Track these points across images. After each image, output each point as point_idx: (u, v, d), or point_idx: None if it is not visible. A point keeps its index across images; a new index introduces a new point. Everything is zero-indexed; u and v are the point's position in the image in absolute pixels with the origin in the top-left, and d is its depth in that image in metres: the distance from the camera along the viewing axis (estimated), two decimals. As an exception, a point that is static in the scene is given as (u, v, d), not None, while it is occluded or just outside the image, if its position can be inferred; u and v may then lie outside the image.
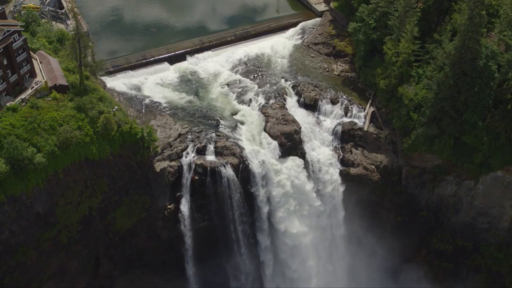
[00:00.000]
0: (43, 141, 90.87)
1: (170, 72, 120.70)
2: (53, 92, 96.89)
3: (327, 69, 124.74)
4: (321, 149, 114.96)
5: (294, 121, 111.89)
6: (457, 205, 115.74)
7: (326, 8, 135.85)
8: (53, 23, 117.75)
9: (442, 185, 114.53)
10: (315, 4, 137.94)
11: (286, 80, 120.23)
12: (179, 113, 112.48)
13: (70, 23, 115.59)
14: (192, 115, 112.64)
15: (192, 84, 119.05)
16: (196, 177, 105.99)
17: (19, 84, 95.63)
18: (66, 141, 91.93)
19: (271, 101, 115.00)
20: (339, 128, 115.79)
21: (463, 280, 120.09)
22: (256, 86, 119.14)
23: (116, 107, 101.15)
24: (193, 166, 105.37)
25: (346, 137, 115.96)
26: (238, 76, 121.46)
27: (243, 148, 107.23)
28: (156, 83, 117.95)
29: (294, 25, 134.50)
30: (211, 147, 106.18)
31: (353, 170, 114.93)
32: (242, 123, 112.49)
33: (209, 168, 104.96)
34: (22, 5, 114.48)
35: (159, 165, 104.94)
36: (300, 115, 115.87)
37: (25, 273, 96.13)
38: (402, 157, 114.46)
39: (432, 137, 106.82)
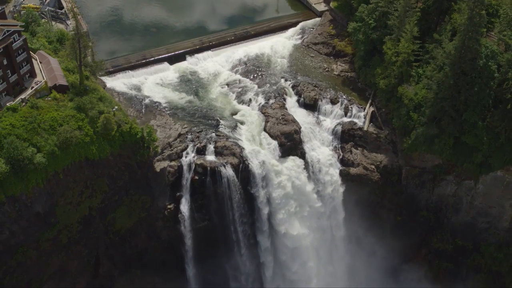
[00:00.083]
0: (43, 141, 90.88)
1: (170, 72, 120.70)
2: (53, 92, 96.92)
3: (327, 69, 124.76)
4: (321, 149, 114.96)
5: (294, 121, 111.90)
6: (457, 205, 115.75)
7: (326, 8, 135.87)
8: (53, 23, 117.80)
9: (442, 185, 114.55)
10: (314, 4, 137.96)
11: (286, 80, 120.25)
12: (179, 113, 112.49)
13: (70, 23, 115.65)
14: (192, 115, 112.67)
15: (192, 84, 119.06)
16: (196, 177, 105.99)
17: (19, 84, 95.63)
18: (66, 141, 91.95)
19: (271, 101, 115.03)
20: (339, 128, 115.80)
21: (463, 280, 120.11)
22: (256, 86, 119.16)
23: (116, 107, 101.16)
24: (193, 166, 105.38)
25: (346, 137, 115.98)
26: (238, 76, 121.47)
27: (243, 148, 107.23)
28: (156, 83, 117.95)
29: (294, 25, 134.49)
30: (211, 147, 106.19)
31: (353, 170, 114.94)
32: (242, 123, 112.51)
33: (209, 168, 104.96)
34: (22, 5, 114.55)
35: (159, 165, 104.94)
36: (300, 115, 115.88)
37: (25, 273, 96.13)
38: (402, 157, 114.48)
39: (432, 137, 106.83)
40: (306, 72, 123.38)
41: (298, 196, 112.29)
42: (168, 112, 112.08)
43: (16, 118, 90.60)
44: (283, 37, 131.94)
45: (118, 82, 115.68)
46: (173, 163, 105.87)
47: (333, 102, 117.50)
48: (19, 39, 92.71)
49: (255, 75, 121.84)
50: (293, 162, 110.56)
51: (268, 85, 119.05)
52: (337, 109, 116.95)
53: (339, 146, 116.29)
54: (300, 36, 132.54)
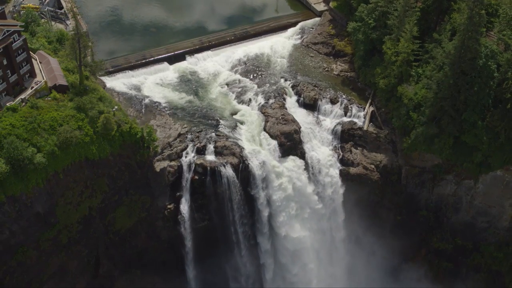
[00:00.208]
0: (43, 141, 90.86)
1: (169, 72, 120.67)
2: (53, 92, 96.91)
3: (326, 69, 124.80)
4: (320, 149, 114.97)
5: (293, 121, 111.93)
6: (456, 205, 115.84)
7: (326, 8, 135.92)
8: (53, 23, 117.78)
9: (441, 184, 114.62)
10: (314, 3, 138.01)
11: (285, 80, 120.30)
12: (178, 113, 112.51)
13: (70, 23, 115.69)
14: (192, 115, 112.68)
15: (191, 84, 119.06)
16: (196, 177, 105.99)
17: (19, 84, 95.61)
18: (66, 141, 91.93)
19: (271, 101, 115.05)
20: (339, 128, 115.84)
21: (463, 279, 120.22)
22: (256, 86, 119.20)
23: (116, 107, 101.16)
24: (193, 166, 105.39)
25: (346, 136, 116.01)
26: (238, 76, 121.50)
27: (243, 148, 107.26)
28: (155, 83, 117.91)
29: (294, 25, 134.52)
30: (211, 147, 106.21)
31: (352, 170, 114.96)
32: (241, 123, 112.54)
33: (209, 168, 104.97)
34: (22, 5, 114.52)
35: (159, 165, 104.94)
36: (300, 115, 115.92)
37: (25, 273, 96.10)
38: (402, 157, 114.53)
39: (432, 137, 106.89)
40: (305, 72, 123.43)
41: (299, 198, 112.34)
42: (168, 112, 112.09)
43: (16, 118, 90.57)
44: (283, 37, 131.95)
45: (118, 82, 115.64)
46: (173, 163, 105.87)
47: (333, 102, 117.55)
48: (19, 39, 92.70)
49: (255, 75, 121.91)
50: (294, 162, 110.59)
51: (267, 85, 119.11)
52: (337, 109, 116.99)
53: (339, 145, 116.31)
54: (299, 36, 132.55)
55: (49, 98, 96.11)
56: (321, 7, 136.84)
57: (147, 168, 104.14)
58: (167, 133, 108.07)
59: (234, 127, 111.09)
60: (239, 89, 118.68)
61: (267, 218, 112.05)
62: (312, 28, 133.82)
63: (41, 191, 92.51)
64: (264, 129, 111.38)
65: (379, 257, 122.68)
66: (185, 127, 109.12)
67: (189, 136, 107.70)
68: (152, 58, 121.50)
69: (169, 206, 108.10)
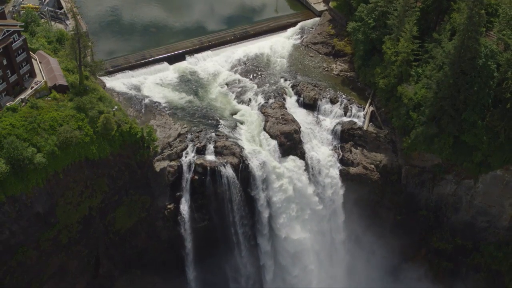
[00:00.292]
0: (43, 141, 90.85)
1: (169, 72, 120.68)
2: (53, 92, 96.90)
3: (326, 69, 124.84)
4: (320, 149, 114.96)
5: (293, 121, 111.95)
6: (456, 204, 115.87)
7: (325, 8, 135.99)
8: (52, 23, 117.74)
9: (441, 184, 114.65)
10: (314, 3, 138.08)
11: (285, 80, 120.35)
12: (178, 113, 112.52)
13: (69, 23, 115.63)
14: (192, 115, 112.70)
15: (191, 84, 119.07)
16: (196, 177, 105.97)
17: (19, 84, 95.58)
18: (66, 141, 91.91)
19: (271, 101, 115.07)
20: (339, 128, 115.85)
21: (463, 279, 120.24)
22: (256, 86, 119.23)
23: (116, 107, 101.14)
24: (193, 165, 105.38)
25: (346, 136, 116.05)
26: (238, 76, 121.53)
27: (243, 148, 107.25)
28: (155, 83, 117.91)
29: (293, 24, 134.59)
30: (210, 147, 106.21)
31: (352, 170, 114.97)
32: (241, 122, 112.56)
33: (209, 168, 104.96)
34: (21, 5, 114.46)
35: (159, 165, 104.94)
36: (300, 115, 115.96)
37: (25, 273, 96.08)
38: (402, 156, 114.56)
39: (432, 136, 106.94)
40: (305, 72, 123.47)
41: (299, 199, 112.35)
42: (167, 112, 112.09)
43: (16, 118, 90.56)
44: (283, 37, 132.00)
45: (118, 82, 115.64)
46: (173, 163, 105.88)
47: (333, 101, 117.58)
48: (18, 39, 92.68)
49: (255, 75, 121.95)
50: (294, 162, 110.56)
51: (267, 85, 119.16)
52: (337, 109, 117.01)
53: (339, 145, 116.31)
54: (299, 36, 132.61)
55: (49, 98, 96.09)
56: (320, 7, 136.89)
57: (147, 168, 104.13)
58: (167, 133, 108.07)
59: (234, 127, 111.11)
60: (239, 89, 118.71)
61: (267, 220, 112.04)
62: (312, 28, 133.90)
63: (41, 191, 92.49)
64: (264, 129, 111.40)
65: (379, 257, 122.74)
66: (185, 127, 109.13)
67: (189, 136, 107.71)
68: (152, 58, 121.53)
69: (169, 206, 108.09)
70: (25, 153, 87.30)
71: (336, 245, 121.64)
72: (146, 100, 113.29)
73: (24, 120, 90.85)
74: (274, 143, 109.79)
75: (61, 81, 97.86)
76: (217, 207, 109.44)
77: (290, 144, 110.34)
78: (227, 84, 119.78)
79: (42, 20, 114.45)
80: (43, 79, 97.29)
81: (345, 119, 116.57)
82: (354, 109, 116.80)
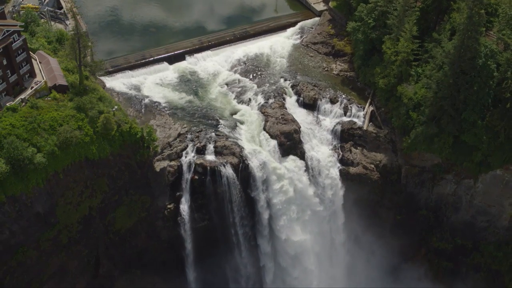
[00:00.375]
0: (43, 141, 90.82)
1: (169, 72, 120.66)
2: (53, 92, 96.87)
3: (326, 69, 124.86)
4: (320, 149, 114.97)
5: (293, 121, 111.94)
6: (456, 204, 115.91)
7: (325, 8, 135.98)
8: (52, 23, 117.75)
9: (441, 184, 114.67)
10: (313, 3, 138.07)
11: (285, 80, 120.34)
12: (178, 112, 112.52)
13: (69, 23, 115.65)
14: (192, 114, 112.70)
15: (191, 84, 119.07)
16: (196, 177, 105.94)
17: (19, 84, 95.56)
18: (66, 141, 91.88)
19: (271, 101, 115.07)
20: (339, 128, 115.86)
21: (463, 278, 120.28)
22: (255, 86, 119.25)
23: (116, 107, 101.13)
24: (193, 165, 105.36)
25: (346, 136, 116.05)
26: (237, 76, 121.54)
27: (243, 148, 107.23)
28: (155, 83, 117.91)
29: (293, 24, 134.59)
30: (210, 147, 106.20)
31: (352, 169, 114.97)
32: (241, 122, 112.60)
33: (209, 168, 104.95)
34: (21, 5, 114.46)
35: (159, 165, 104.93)
36: (300, 115, 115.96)
37: (25, 273, 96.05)
38: (402, 156, 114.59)
39: (432, 136, 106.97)
40: (305, 72, 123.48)
41: (300, 200, 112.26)
42: (167, 112, 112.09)
43: (16, 118, 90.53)
44: (282, 36, 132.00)
45: (118, 82, 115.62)
46: (173, 162, 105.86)
47: (333, 101, 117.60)
48: (18, 39, 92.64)
49: (255, 75, 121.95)
50: (294, 162, 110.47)
51: (267, 84, 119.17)
52: (337, 109, 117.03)
53: (339, 145, 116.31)
54: (299, 35, 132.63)
55: (49, 98, 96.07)
56: (320, 6, 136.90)
57: (147, 168, 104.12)
58: (167, 133, 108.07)
59: (234, 127, 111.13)
60: (239, 89, 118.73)
61: (267, 221, 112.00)
62: (312, 28, 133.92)
63: (41, 191, 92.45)
64: (264, 129, 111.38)
65: (379, 257, 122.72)
66: (185, 127, 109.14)
67: (189, 136, 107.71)
68: (152, 58, 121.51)
69: (169, 206, 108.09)
70: (25, 153, 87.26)
71: (336, 246, 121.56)
72: (146, 100, 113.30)
73: (24, 120, 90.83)
74: (274, 143, 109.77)
75: (61, 81, 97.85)
76: (217, 207, 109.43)
77: (290, 144, 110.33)
78: (227, 84, 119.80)
79: (42, 20, 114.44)
80: (43, 79, 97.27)
81: (345, 119, 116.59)
82: (354, 109, 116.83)
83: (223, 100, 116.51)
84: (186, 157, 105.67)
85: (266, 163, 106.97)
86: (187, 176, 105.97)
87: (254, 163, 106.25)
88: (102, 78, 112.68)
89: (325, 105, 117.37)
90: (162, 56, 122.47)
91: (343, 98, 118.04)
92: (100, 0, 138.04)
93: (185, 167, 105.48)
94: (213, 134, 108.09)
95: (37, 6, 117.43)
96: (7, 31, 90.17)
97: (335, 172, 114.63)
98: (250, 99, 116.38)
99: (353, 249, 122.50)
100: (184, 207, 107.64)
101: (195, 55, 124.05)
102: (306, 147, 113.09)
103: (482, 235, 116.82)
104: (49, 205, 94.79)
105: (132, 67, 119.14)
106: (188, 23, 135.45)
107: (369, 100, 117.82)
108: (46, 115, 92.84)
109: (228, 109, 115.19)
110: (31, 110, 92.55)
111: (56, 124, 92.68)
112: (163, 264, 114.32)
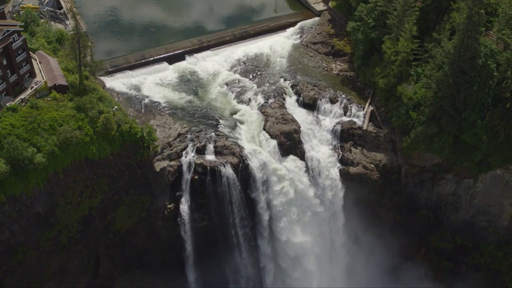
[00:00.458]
0: (43, 141, 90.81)
1: (169, 72, 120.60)
2: (53, 92, 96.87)
3: (326, 69, 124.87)
4: (320, 149, 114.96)
5: (293, 120, 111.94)
6: (456, 204, 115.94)
7: (325, 8, 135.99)
8: (52, 23, 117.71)
9: (441, 183, 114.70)
10: (313, 3, 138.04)
11: (285, 80, 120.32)
12: (178, 112, 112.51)
13: (69, 23, 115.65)
14: (192, 114, 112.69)
15: (191, 83, 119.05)
16: (196, 177, 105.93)
17: (19, 84, 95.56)
18: (66, 141, 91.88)
19: (270, 101, 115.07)
20: (338, 127, 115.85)
21: (463, 278, 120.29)
22: (255, 86, 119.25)
23: (115, 106, 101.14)
24: (193, 165, 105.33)
25: (346, 136, 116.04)
26: (237, 76, 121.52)
27: (243, 148, 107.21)
28: (155, 83, 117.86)
29: (293, 24, 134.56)
30: (210, 147, 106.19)
31: (352, 169, 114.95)
32: (241, 122, 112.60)
33: (208, 168, 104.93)
34: (21, 5, 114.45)
35: (159, 165, 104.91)
36: (299, 115, 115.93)
37: (25, 273, 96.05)
38: (402, 156, 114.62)
39: (431, 136, 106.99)
40: (305, 72, 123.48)
41: (300, 201, 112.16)
42: (167, 112, 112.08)
43: (16, 118, 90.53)
44: (282, 36, 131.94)
45: (118, 82, 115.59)
46: (173, 162, 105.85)
47: (333, 101, 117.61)
48: (18, 39, 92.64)
49: (254, 75, 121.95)
50: (294, 163, 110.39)
51: (267, 84, 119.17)
52: (337, 109, 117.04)
53: (339, 145, 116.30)
54: (299, 35, 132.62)
55: (49, 98, 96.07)
56: (320, 6, 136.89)
57: (147, 168, 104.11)
58: (167, 133, 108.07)
59: (233, 127, 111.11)
60: (239, 89, 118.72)
61: (268, 222, 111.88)
62: (312, 28, 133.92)
63: (41, 191, 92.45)
64: (264, 129, 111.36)
65: (379, 257, 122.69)
66: (185, 127, 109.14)
67: (189, 136, 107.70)
68: (152, 58, 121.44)
69: (169, 206, 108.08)
70: (25, 153, 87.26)
71: (336, 247, 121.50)
72: (146, 100, 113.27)
73: (24, 120, 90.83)
74: (274, 143, 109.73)
75: (61, 81, 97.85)
76: (217, 207, 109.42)
77: (290, 143, 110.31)
78: (226, 84, 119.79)
79: (42, 20, 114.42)
80: (43, 79, 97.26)
81: (345, 118, 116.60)
82: (353, 108, 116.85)
83: (223, 100, 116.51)
84: (186, 157, 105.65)
85: (267, 163, 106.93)
86: (187, 176, 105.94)
87: (254, 163, 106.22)
88: (102, 78, 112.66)
89: (325, 105, 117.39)
90: (162, 56, 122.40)
91: (343, 98, 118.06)
92: (100, 0, 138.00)
93: (185, 167, 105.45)
94: (213, 134, 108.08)
95: (37, 6, 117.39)
96: (7, 31, 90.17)
97: (335, 172, 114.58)
98: (250, 99, 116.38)
99: (353, 249, 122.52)
100: (184, 207, 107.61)
101: (195, 55, 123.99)
102: (306, 147, 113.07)
103: (482, 234, 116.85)
104: (49, 205, 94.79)
105: (132, 67, 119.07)
106: (188, 23, 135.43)
107: (369, 100, 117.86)
108: (46, 115, 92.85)
109: (228, 109, 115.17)
110: (31, 110, 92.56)
111: (56, 124, 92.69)
112: (163, 264, 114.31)
